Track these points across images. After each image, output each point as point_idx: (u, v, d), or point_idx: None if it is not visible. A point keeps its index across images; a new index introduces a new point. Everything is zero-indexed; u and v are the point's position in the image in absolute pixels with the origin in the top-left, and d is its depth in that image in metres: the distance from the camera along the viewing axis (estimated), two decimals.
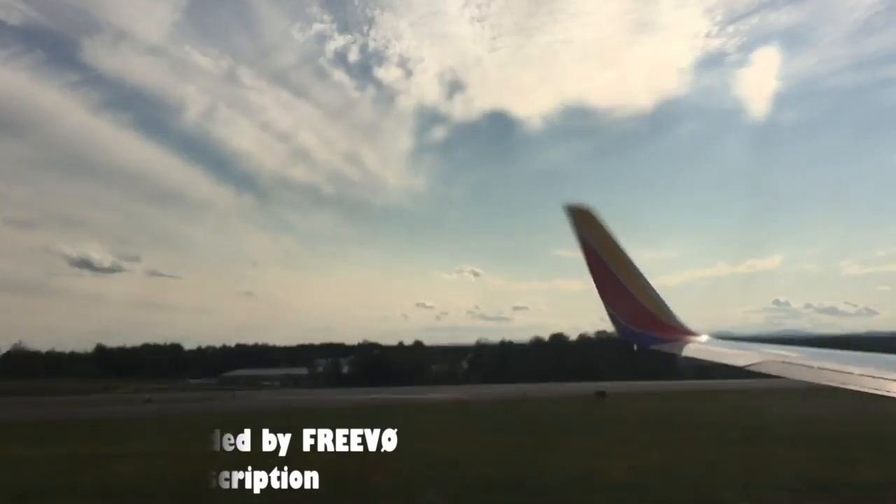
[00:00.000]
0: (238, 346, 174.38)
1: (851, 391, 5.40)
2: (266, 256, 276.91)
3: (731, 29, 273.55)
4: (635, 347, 8.60)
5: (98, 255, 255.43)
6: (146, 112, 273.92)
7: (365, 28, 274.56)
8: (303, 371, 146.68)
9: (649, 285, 8.54)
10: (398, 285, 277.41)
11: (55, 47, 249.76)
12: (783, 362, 6.46)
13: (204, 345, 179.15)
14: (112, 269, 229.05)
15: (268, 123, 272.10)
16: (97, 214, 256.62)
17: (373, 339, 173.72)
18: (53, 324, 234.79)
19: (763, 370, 6.54)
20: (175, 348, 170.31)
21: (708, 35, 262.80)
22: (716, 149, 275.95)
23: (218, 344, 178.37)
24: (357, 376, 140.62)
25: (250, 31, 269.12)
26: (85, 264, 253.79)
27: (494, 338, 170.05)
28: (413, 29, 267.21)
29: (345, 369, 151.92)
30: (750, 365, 6.88)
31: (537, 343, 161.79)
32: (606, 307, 8.75)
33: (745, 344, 8.12)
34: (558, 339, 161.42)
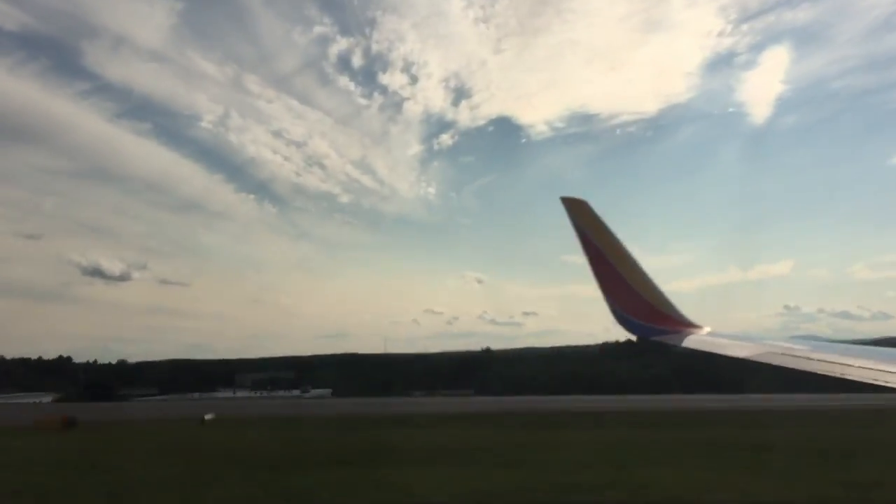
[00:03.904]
0: None
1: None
2: (283, 263, 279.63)
3: (745, 27, 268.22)
4: (635, 339, 8.42)
5: (110, 263, 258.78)
6: (161, 121, 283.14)
7: (367, 30, 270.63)
8: None
9: (647, 276, 8.33)
10: (409, 291, 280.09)
11: (57, 54, 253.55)
12: (786, 354, 6.26)
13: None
14: (123, 278, 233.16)
15: (279, 131, 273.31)
16: (120, 223, 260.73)
17: (389, 344, 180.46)
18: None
19: (766, 361, 6.34)
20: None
21: (721, 34, 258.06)
22: (722, 153, 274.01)
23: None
24: None
25: (249, 35, 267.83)
26: (97, 273, 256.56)
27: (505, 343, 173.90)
28: (416, 30, 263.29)
29: None
30: (752, 356, 6.69)
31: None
32: (606, 298, 8.56)
33: (747, 335, 7.92)
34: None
